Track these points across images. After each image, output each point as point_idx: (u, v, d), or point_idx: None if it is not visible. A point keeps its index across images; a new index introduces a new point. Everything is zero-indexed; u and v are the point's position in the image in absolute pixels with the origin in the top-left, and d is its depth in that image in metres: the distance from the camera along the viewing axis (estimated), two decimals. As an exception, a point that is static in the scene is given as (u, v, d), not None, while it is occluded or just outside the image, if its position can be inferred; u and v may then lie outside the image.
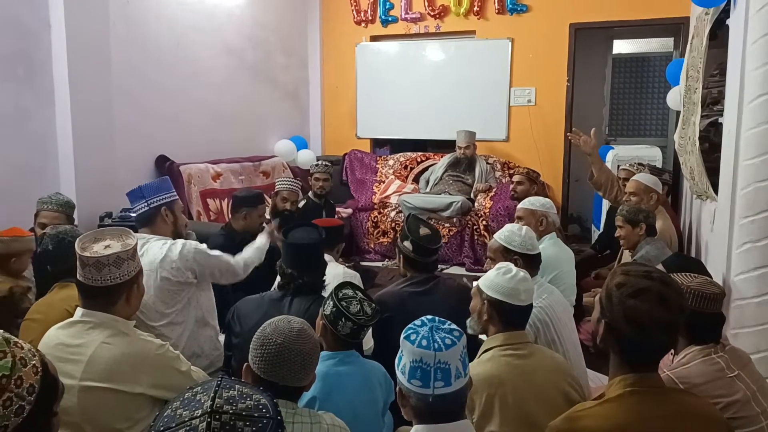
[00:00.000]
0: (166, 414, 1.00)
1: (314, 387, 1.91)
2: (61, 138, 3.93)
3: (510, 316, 1.94)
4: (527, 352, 1.92)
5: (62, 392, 1.20)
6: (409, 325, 1.45)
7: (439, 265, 5.20)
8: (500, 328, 1.96)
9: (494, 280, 1.97)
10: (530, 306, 1.98)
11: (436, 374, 1.35)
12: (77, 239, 1.90)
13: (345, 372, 2.00)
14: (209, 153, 5.35)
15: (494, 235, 2.65)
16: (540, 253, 2.58)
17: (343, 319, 1.98)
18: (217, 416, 0.96)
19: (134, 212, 2.73)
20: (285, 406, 1.54)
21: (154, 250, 2.60)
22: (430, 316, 1.47)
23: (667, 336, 1.45)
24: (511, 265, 2.02)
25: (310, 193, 5.07)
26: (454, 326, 1.44)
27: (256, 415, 0.99)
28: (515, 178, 5.15)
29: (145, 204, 2.68)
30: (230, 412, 0.97)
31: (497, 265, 2.04)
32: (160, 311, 2.59)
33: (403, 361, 1.41)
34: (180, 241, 2.66)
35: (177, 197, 2.83)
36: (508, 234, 2.56)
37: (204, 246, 2.72)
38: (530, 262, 2.49)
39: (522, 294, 1.93)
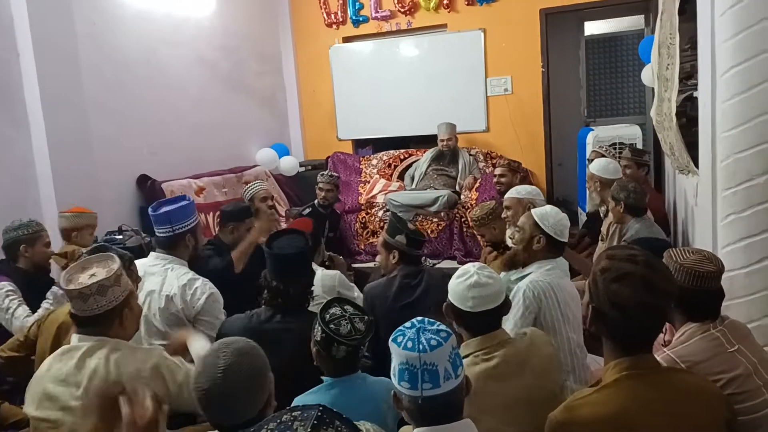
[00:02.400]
0: None
1: None
2: (40, 167, 3.89)
3: (464, 319, 1.87)
4: (504, 357, 1.82)
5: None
6: (398, 328, 1.43)
7: (430, 260, 5.21)
8: (467, 333, 1.89)
9: (451, 281, 1.91)
10: (488, 312, 1.85)
11: (423, 376, 1.33)
12: (63, 272, 1.93)
13: (352, 402, 1.88)
14: (190, 168, 5.30)
15: (532, 210, 2.62)
16: (565, 242, 2.57)
17: (335, 344, 1.88)
18: None
19: (157, 233, 2.78)
20: None
21: (174, 278, 2.65)
22: (419, 318, 1.45)
23: (653, 319, 1.45)
24: (471, 268, 1.89)
25: (315, 202, 5.04)
26: (442, 327, 1.41)
27: None
28: (497, 171, 5.03)
29: (170, 230, 2.74)
30: None
31: (458, 270, 1.95)
32: (165, 333, 2.60)
33: (393, 363, 1.40)
34: (201, 280, 2.69)
35: (198, 220, 2.90)
36: (545, 212, 2.55)
37: (221, 301, 2.72)
38: (553, 246, 2.51)
39: (470, 301, 1.83)
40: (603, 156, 4.66)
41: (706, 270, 1.79)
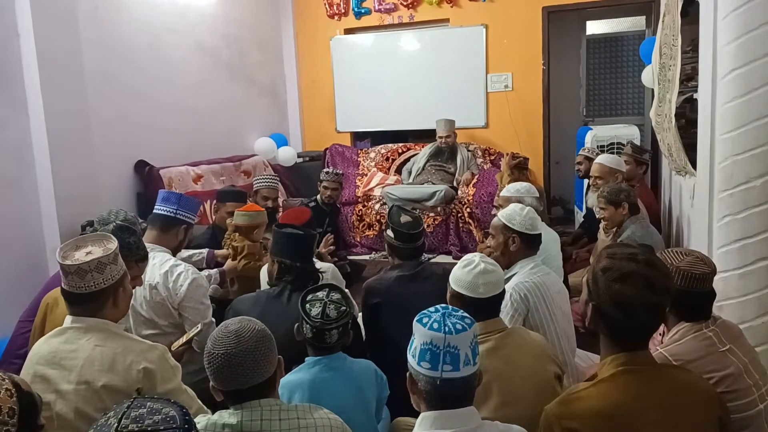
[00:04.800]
0: None
1: (302, 396, 1.90)
2: (37, 148, 3.86)
3: (472, 307, 1.92)
4: (503, 339, 1.94)
5: (41, 404, 1.22)
6: (423, 311, 1.48)
7: (426, 255, 5.21)
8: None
9: (456, 272, 2.01)
10: (494, 297, 1.98)
11: (445, 358, 1.37)
12: (58, 248, 1.90)
13: (332, 378, 1.97)
14: (189, 155, 5.29)
15: (498, 213, 2.70)
16: (540, 234, 2.60)
17: (304, 322, 1.98)
18: None
19: (157, 210, 2.81)
20: (269, 405, 1.55)
21: (157, 264, 2.64)
22: (443, 305, 1.50)
23: (654, 317, 1.47)
24: (475, 257, 2.01)
25: (317, 198, 4.99)
26: (466, 315, 1.47)
27: (162, 428, 1.02)
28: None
29: (173, 211, 2.78)
30: (135, 430, 1.00)
31: (462, 259, 2.05)
32: (151, 320, 2.61)
33: (415, 344, 1.44)
34: (183, 265, 2.68)
35: (194, 223, 2.94)
36: (510, 213, 2.61)
37: (206, 285, 2.72)
38: (529, 242, 2.54)
39: (480, 287, 1.94)
40: (591, 158, 4.69)
41: (701, 272, 1.83)
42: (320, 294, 2.05)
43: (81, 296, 1.85)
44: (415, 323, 1.45)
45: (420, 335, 1.42)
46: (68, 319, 1.90)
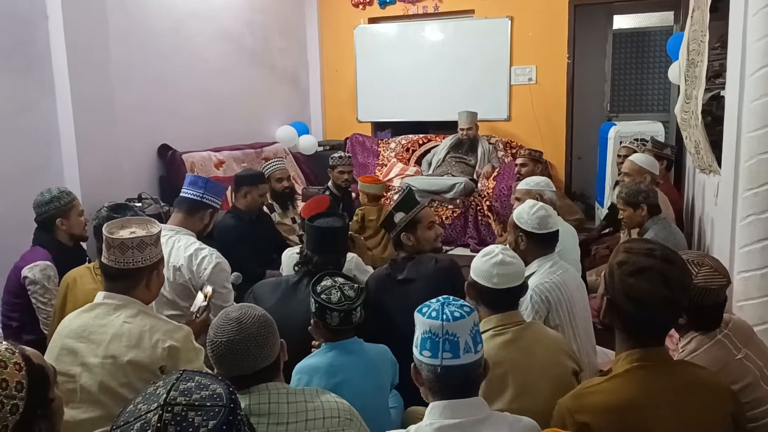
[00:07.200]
0: (128, 409, 1.04)
1: (320, 381, 1.93)
2: (63, 131, 3.93)
3: (487, 296, 1.95)
4: (521, 332, 1.93)
5: (55, 376, 1.22)
6: (424, 303, 1.49)
7: (443, 247, 5.23)
8: (488, 310, 1.97)
9: (475, 261, 2.01)
10: (512, 289, 1.95)
11: (444, 345, 1.39)
12: (105, 224, 1.98)
13: (350, 363, 1.99)
14: (211, 141, 5.34)
15: (513, 213, 2.64)
16: (554, 231, 2.53)
17: (328, 312, 1.99)
18: (170, 408, 1.00)
19: (184, 193, 2.85)
20: (276, 388, 1.56)
21: (182, 247, 2.68)
22: (445, 296, 1.51)
23: (669, 313, 1.46)
24: (495, 248, 2.00)
25: (330, 184, 4.96)
26: (466, 303, 1.48)
27: (208, 404, 1.03)
28: (518, 161, 5.10)
29: (200, 195, 2.82)
30: (183, 403, 1.02)
31: (482, 250, 2.04)
32: (174, 302, 2.65)
33: (416, 333, 1.46)
34: (207, 249, 2.71)
35: (220, 207, 2.98)
36: (519, 210, 2.56)
37: (229, 270, 2.76)
38: (538, 241, 2.48)
39: (495, 278, 1.92)
40: (635, 150, 4.67)
41: (720, 285, 1.81)
42: (326, 283, 2.08)
43: (118, 271, 1.92)
44: (416, 314, 1.47)
45: (420, 324, 1.45)
46: (100, 295, 1.97)
